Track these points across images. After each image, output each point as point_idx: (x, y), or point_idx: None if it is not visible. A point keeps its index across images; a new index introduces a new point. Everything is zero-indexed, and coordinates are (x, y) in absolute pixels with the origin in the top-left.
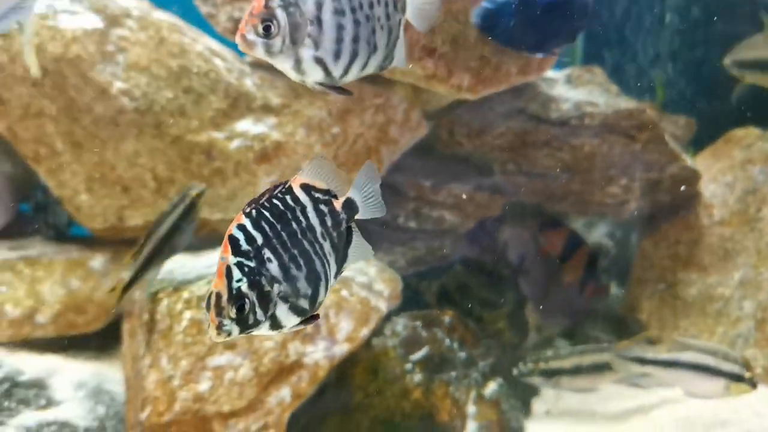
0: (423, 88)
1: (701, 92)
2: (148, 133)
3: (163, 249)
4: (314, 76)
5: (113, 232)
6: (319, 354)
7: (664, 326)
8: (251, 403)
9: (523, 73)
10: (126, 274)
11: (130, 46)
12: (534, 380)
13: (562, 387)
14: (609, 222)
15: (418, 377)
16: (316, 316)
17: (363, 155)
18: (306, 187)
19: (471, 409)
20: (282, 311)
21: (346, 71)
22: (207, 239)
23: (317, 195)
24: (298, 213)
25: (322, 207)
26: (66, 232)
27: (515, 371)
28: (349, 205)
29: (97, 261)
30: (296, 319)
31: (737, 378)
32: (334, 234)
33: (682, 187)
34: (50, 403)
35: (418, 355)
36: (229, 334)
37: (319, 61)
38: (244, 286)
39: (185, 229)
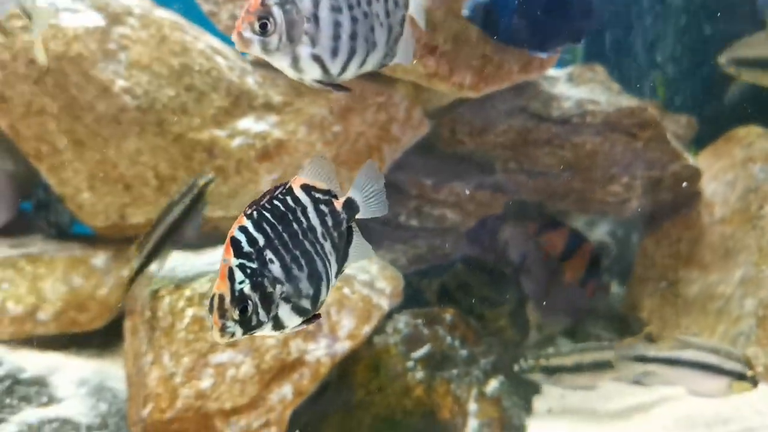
0: (424, 87)
1: (702, 91)
2: (150, 131)
3: (171, 237)
4: (312, 73)
5: (115, 230)
6: (320, 351)
7: (666, 324)
8: (253, 400)
9: (524, 71)
10: (135, 262)
11: (131, 44)
12: (535, 377)
13: (563, 384)
14: (610, 220)
15: (419, 375)
16: (318, 316)
17: (364, 153)
18: (306, 188)
19: (472, 406)
20: (284, 312)
21: (344, 68)
22: (208, 237)
23: (318, 195)
24: (299, 213)
25: (323, 207)
26: (68, 231)
27: (516, 367)
28: (350, 205)
29: (99, 259)
30: (298, 319)
31: (739, 376)
32: (335, 234)
33: (684, 184)
34: (52, 400)
35: (419, 352)
36: (233, 335)
37: (317, 59)
38: (246, 288)
39: (193, 218)
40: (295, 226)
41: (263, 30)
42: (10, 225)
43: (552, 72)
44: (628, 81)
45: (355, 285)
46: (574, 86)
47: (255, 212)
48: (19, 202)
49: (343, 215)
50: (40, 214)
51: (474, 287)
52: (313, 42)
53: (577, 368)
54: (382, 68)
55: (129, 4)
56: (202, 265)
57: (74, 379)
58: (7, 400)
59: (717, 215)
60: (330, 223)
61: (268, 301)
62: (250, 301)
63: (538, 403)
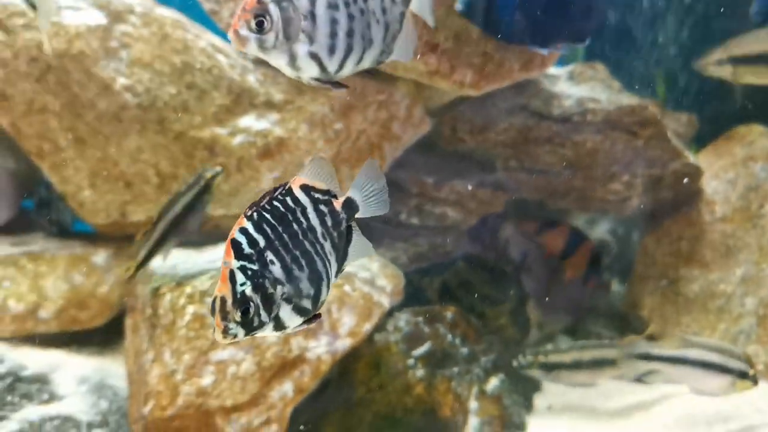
0: (425, 85)
1: (703, 89)
2: (151, 129)
3: (176, 228)
4: (309, 71)
5: (116, 228)
6: (321, 349)
7: (666, 323)
8: (254, 397)
9: (525, 69)
10: (143, 250)
11: (133, 42)
12: (533, 373)
13: (562, 381)
14: (611, 219)
15: (420, 372)
16: (318, 315)
17: (366, 151)
18: (306, 188)
19: (473, 404)
20: (285, 312)
21: (341, 66)
22: (209, 235)
23: (317, 195)
24: (299, 214)
25: (322, 207)
26: (69, 229)
27: (514, 363)
28: (349, 205)
29: (100, 257)
30: (299, 320)
31: (742, 375)
32: (335, 234)
33: (685, 180)
34: (53, 397)
35: (420, 350)
36: (235, 336)
37: (314, 57)
38: (248, 290)
39: (198, 210)
40: (295, 226)
41: (260, 28)
42: (11, 223)
43: (553, 70)
44: (627, 78)
45: (356, 282)
46: (574, 84)
47: (255, 214)
48: (21, 201)
49: (343, 215)
50: (41, 213)
51: (475, 285)
52: (310, 39)
53: (576, 365)
54: (379, 65)
55: (130, 3)
56: (204, 263)
57: (75, 376)
58: (9, 398)
59: (718, 214)
60: (329, 223)
61: (269, 302)
62: (251, 303)
63: (539, 400)
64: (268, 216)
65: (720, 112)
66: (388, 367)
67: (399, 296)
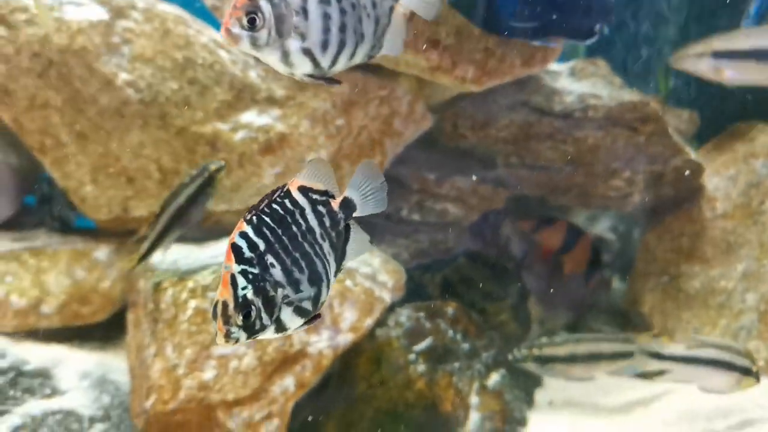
0: (427, 81)
1: (704, 86)
2: (153, 125)
3: (179, 220)
4: (303, 68)
5: (118, 223)
6: (323, 343)
7: (667, 319)
8: (255, 391)
9: (527, 65)
10: (145, 244)
11: (135, 38)
12: (528, 366)
13: (556, 374)
14: (612, 215)
15: (421, 368)
16: (318, 315)
17: (367, 147)
18: (304, 190)
19: (474, 399)
20: (286, 314)
21: (334, 61)
22: (211, 230)
23: (315, 196)
24: (298, 216)
25: (320, 208)
26: (71, 224)
27: (509, 356)
28: (347, 205)
29: (102, 252)
30: (300, 321)
31: (747, 372)
32: (333, 234)
33: (687, 172)
34: (55, 392)
35: (421, 345)
36: (237, 340)
37: (307, 53)
38: (249, 293)
39: (201, 203)
40: (295, 228)
41: (252, 25)
42: (13, 219)
43: (554, 66)
44: (629, 75)
45: (357, 278)
46: (576, 80)
47: (254, 217)
48: (23, 196)
49: (341, 215)
50: (43, 208)
51: (476, 281)
52: (303, 36)
53: (571, 359)
54: (370, 60)
55: None
56: (205, 258)
57: (77, 371)
58: (11, 392)
59: (719, 210)
60: (328, 223)
61: (270, 305)
62: (253, 306)
63: (540, 396)
64: (267, 219)
65: (721, 109)
66: (390, 363)
67: (400, 292)
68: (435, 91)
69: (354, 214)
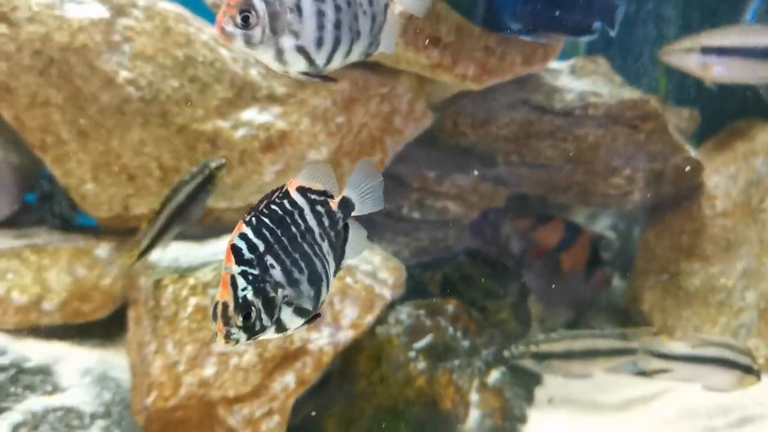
0: (428, 79)
1: (704, 84)
2: (154, 122)
3: (180, 217)
4: (297, 65)
5: (119, 221)
6: (323, 340)
7: (667, 317)
8: (256, 388)
9: (527, 63)
10: (145, 240)
11: (136, 36)
12: (525, 363)
13: (554, 371)
14: (612, 213)
15: (421, 365)
16: (318, 315)
17: (368, 145)
18: (302, 190)
19: (474, 397)
20: (287, 315)
21: (329, 59)
22: (211, 228)
23: (313, 197)
24: (297, 216)
25: (319, 208)
26: (72, 222)
27: (506, 353)
28: (345, 204)
29: (103, 249)
30: (300, 321)
31: (748, 370)
32: (332, 233)
33: (687, 168)
34: (56, 389)
35: (421, 343)
36: (237, 341)
37: (302, 50)
38: (249, 295)
39: (201, 200)
40: (294, 229)
41: (245, 23)
42: (14, 217)
43: (554, 64)
44: (628, 73)
45: (357, 275)
46: (576, 78)
47: (254, 218)
48: (24, 194)
49: (339, 214)
50: (44, 206)
51: (476, 279)
52: (297, 33)
53: (568, 355)
54: (367, 57)
55: None
56: (206, 255)
57: (78, 368)
58: (12, 389)
59: (719, 208)
60: (327, 223)
61: (270, 306)
62: (253, 307)
63: (540, 393)
64: (266, 220)
65: (721, 107)
66: (390, 360)
67: (400, 289)
68: (435, 89)
69: (352, 214)
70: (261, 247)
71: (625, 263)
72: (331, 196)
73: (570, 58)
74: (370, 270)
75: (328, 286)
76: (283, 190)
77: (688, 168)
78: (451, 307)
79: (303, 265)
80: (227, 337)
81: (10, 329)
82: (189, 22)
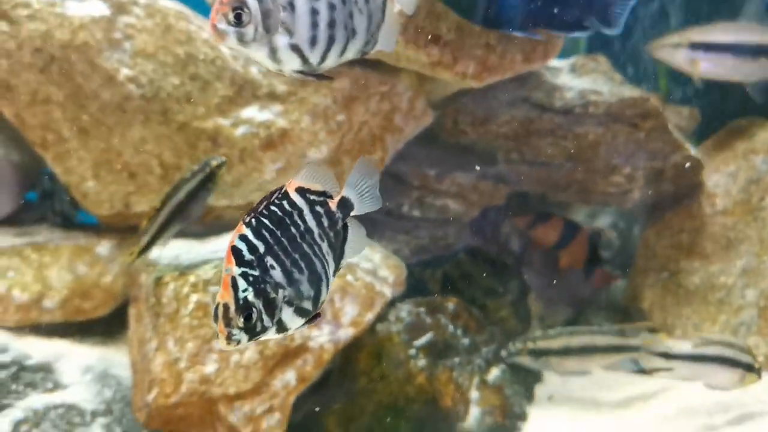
0: (428, 77)
1: (704, 82)
2: (155, 120)
3: (180, 215)
4: (291, 64)
5: (119, 219)
6: (324, 338)
7: (667, 315)
8: (257, 385)
9: (527, 60)
10: (145, 237)
11: (136, 34)
12: (523, 360)
13: (551, 368)
14: (612, 211)
15: (421, 362)
16: (318, 315)
17: (368, 143)
18: (301, 191)
19: (474, 394)
20: (287, 315)
21: (323, 58)
22: (212, 226)
23: (313, 197)
24: (296, 217)
25: (318, 208)
26: (73, 220)
27: (503, 352)
28: (344, 204)
29: (104, 247)
30: (301, 321)
31: (750, 368)
32: (331, 234)
33: (687, 165)
34: (57, 386)
35: (422, 340)
36: (239, 342)
37: (295, 49)
38: (250, 296)
39: (201, 198)
40: (293, 230)
41: (238, 21)
42: (15, 214)
43: (554, 62)
44: (628, 71)
45: (358, 272)
46: (576, 77)
47: (254, 220)
48: (25, 192)
49: (338, 215)
50: (45, 204)
51: (476, 277)
52: (291, 31)
53: (565, 352)
54: (364, 56)
55: None
56: (207, 253)
57: (79, 366)
58: (13, 386)
59: (719, 206)
60: (326, 223)
61: (271, 307)
62: (254, 308)
63: (540, 391)
64: (266, 221)
65: (721, 106)
66: (390, 357)
67: (401, 287)
68: (436, 87)
69: (351, 213)
70: (261, 248)
71: (625, 261)
72: (330, 197)
73: (570, 56)
74: (370, 268)
75: (327, 286)
76: (282, 191)
77: (688, 165)
78: (451, 304)
79: (303, 265)
80: (229, 338)
81: (11, 327)
82: (190, 19)
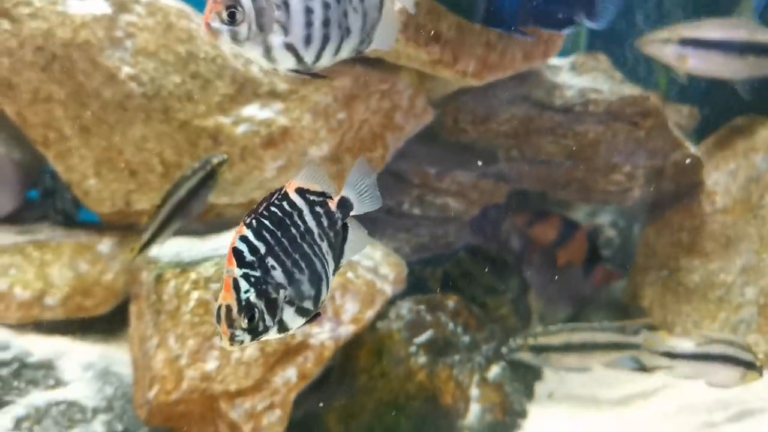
0: (428, 75)
1: (704, 81)
2: (156, 118)
3: (181, 212)
4: (285, 63)
5: (121, 217)
6: (324, 335)
7: (667, 312)
8: (257, 382)
9: (527, 59)
10: (146, 234)
11: (138, 32)
12: (523, 356)
13: (552, 364)
14: (612, 210)
15: (422, 360)
16: (319, 314)
17: (369, 141)
18: (301, 191)
19: (474, 391)
20: (288, 315)
21: (318, 57)
22: (213, 223)
23: (312, 198)
24: (296, 218)
25: (318, 209)
26: (74, 218)
27: (504, 348)
28: (344, 204)
29: (105, 245)
30: (302, 320)
31: (751, 366)
32: (331, 233)
33: (687, 160)
34: (59, 383)
35: (422, 338)
36: (242, 343)
37: (290, 48)
38: (252, 297)
39: (202, 195)
40: (293, 230)
41: (232, 19)
42: (17, 212)
43: (555, 61)
44: (628, 70)
45: (359, 270)
46: (576, 75)
47: (254, 221)
48: (26, 190)
49: (338, 215)
50: (47, 202)
51: (476, 276)
52: (285, 30)
53: (566, 348)
54: (359, 55)
55: None
56: (207, 251)
57: (81, 363)
58: (15, 383)
59: (718, 204)
60: (326, 223)
61: (273, 307)
62: (256, 309)
63: (540, 388)
64: (266, 222)
65: (721, 104)
66: (391, 355)
67: (401, 285)
68: (436, 85)
69: (351, 213)
70: (262, 249)
71: (625, 259)
72: (330, 197)
73: (570, 54)
74: (371, 265)
75: (327, 286)
76: (282, 191)
77: (688, 161)
78: (451, 302)
79: (303, 265)
80: (232, 338)
81: (12, 324)
82: (191, 18)
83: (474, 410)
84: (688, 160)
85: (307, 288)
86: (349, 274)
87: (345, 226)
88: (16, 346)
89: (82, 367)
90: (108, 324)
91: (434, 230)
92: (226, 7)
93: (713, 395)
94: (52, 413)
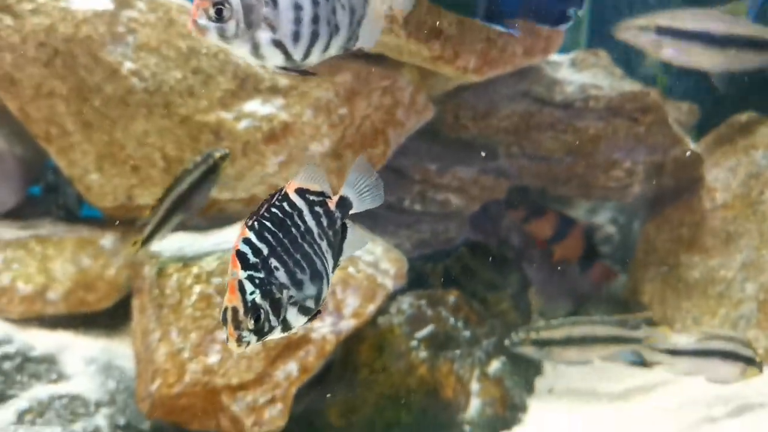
0: (429, 72)
1: (703, 77)
2: (158, 113)
3: (183, 205)
4: (274, 60)
5: (123, 211)
6: (326, 329)
7: (667, 308)
8: (259, 376)
9: (528, 54)
10: (148, 228)
11: (139, 27)
12: (525, 350)
13: (553, 358)
14: (612, 206)
15: (423, 354)
16: (320, 312)
17: (370, 137)
18: (300, 191)
19: (475, 386)
20: (292, 314)
21: (307, 54)
22: (215, 218)
23: (312, 198)
24: (296, 218)
25: (317, 209)
26: (77, 213)
27: (506, 341)
28: (343, 203)
29: (107, 240)
30: (304, 319)
31: (751, 362)
32: (330, 232)
33: (688, 153)
34: (61, 377)
35: (423, 332)
36: (248, 344)
37: (278, 44)
38: (257, 298)
39: (204, 189)
40: (294, 231)
41: (219, 16)
42: (19, 208)
43: (555, 57)
44: (627, 66)
45: (359, 264)
46: (577, 71)
47: (256, 223)
48: (29, 186)
49: (337, 214)
50: (49, 197)
51: (477, 271)
52: (273, 27)
53: (567, 342)
54: (347, 52)
55: None
56: (210, 245)
57: (83, 357)
58: (18, 377)
59: (718, 200)
60: (325, 223)
61: (277, 307)
62: (262, 310)
63: (540, 383)
64: (268, 224)
65: (721, 101)
66: (392, 349)
67: (402, 280)
68: (437, 81)
69: (351, 211)
70: (265, 250)
71: (625, 255)
72: (329, 197)
73: (570, 50)
74: (372, 260)
75: (328, 284)
76: (282, 192)
77: (688, 153)
78: (452, 297)
79: (305, 265)
80: (239, 340)
81: (15, 318)
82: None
83: (474, 404)
84: (687, 160)
85: (309, 287)
86: (350, 269)
87: (344, 225)
88: (19, 340)
89: (84, 361)
90: (110, 318)
91: (435, 226)
92: (213, 4)
93: (713, 390)
94: (55, 407)
